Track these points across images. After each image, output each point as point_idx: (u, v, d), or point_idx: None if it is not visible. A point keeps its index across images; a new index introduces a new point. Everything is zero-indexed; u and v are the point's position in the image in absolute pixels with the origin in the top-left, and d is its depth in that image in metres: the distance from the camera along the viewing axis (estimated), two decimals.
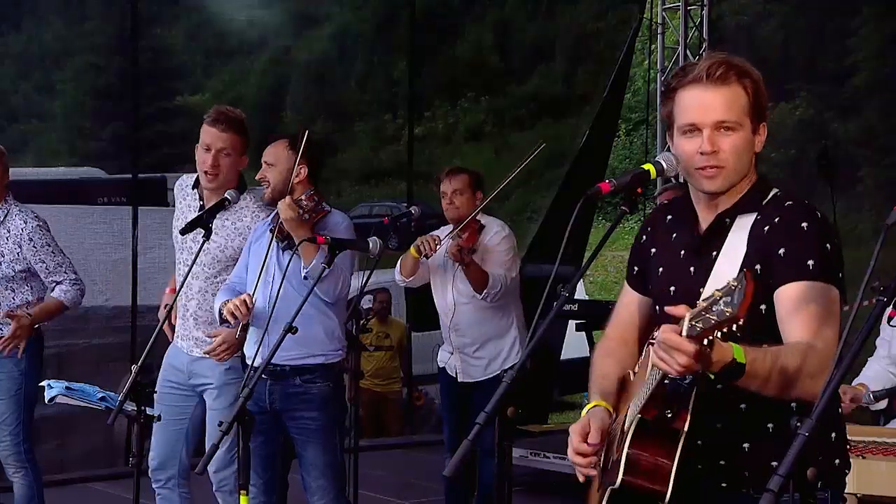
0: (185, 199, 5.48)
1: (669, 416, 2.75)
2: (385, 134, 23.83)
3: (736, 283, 2.42)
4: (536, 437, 8.09)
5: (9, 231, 5.72)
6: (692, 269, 2.93)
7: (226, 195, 5.03)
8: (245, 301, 4.78)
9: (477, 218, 6.08)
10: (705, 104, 2.86)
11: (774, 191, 2.93)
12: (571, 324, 8.83)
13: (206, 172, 5.21)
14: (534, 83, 23.75)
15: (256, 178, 5.16)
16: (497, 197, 6.54)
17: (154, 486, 5.40)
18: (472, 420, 5.86)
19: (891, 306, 2.39)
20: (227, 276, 5.29)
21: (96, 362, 5.72)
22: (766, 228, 2.84)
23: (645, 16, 10.25)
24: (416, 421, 11.18)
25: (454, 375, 6.25)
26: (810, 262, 2.77)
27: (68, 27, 29.77)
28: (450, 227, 6.21)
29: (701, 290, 2.78)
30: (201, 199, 5.33)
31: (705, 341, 2.44)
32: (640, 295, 3.18)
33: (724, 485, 2.90)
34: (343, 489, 5.18)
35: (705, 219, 2.95)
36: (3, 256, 5.71)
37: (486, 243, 6.03)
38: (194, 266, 5.08)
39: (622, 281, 3.29)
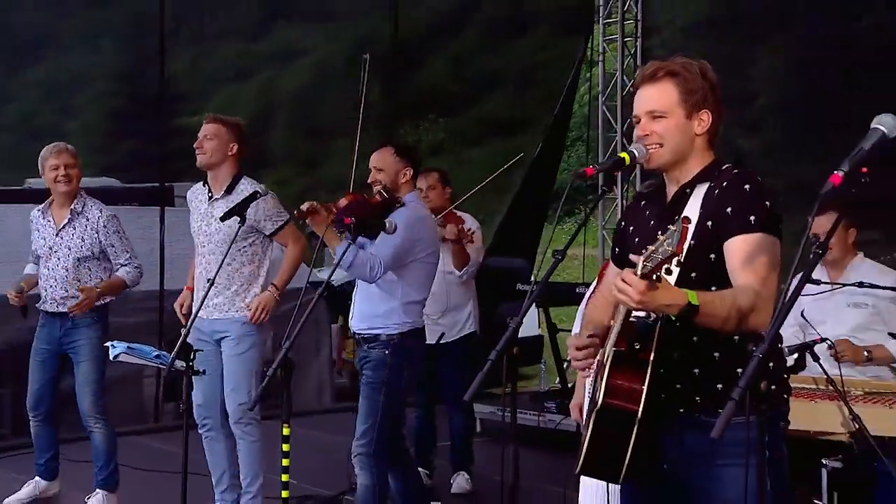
0: (197, 198, 5.59)
1: (638, 347, 2.83)
2: (359, 150, 23.88)
3: (674, 228, 2.52)
4: (500, 397, 8.12)
5: (87, 219, 5.88)
6: (659, 232, 2.84)
7: (257, 189, 5.19)
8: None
9: (454, 211, 6.15)
10: (641, 99, 3.01)
11: (726, 165, 2.99)
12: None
13: (196, 149, 5.38)
14: (486, 106, 23.79)
15: (369, 181, 5.10)
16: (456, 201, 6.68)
17: (200, 430, 5.49)
18: (438, 378, 5.89)
19: None
20: (239, 245, 5.31)
21: (132, 337, 5.78)
22: (716, 192, 2.90)
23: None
24: None
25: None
26: (752, 217, 2.81)
27: (85, 57, 29.55)
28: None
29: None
30: (210, 190, 5.48)
31: (654, 276, 2.53)
32: (620, 270, 3.16)
33: (681, 410, 2.92)
34: (379, 438, 5.01)
35: (671, 191, 3.03)
36: (84, 241, 5.86)
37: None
38: (210, 237, 5.35)
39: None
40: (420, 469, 6.19)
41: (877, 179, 2.45)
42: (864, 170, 2.41)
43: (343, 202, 4.85)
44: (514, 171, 12.32)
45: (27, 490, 6.01)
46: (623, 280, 2.55)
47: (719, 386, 2.86)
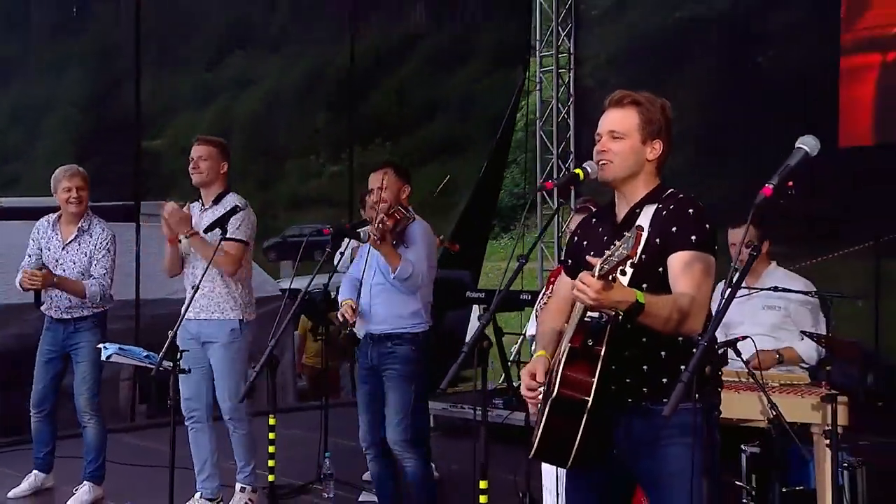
0: (193, 209, 5.65)
1: (591, 344, 2.92)
2: (309, 171, 23.96)
3: (630, 235, 2.64)
4: (450, 395, 8.25)
5: (91, 237, 5.95)
6: (616, 241, 2.95)
7: (237, 203, 5.30)
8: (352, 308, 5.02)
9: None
10: (606, 120, 3.12)
11: (671, 189, 3.10)
12: (475, 310, 8.98)
13: (192, 170, 5.52)
14: (428, 131, 23.98)
15: (373, 200, 5.08)
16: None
17: (187, 423, 5.60)
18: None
19: None
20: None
21: (112, 341, 5.89)
22: (663, 213, 3.02)
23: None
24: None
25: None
26: (693, 237, 2.94)
27: (51, 84, 29.26)
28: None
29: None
30: (203, 204, 5.62)
31: (610, 278, 2.67)
32: (573, 280, 3.23)
33: (629, 400, 3.02)
34: (413, 425, 5.09)
35: (622, 211, 3.14)
36: (87, 256, 5.94)
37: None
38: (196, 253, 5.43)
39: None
40: None
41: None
42: (790, 184, 2.60)
43: (390, 223, 4.85)
44: (455, 193, 12.43)
45: (28, 483, 6.03)
46: (581, 281, 2.68)
47: (664, 380, 2.98)
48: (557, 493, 4.81)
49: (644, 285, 2.86)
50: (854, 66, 7.88)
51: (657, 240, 2.95)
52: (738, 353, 4.26)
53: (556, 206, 9.65)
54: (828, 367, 4.83)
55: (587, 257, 2.82)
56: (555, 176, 9.79)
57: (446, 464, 6.58)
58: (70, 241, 5.93)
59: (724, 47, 9.42)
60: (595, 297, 2.67)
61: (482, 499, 3.23)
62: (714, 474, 2.98)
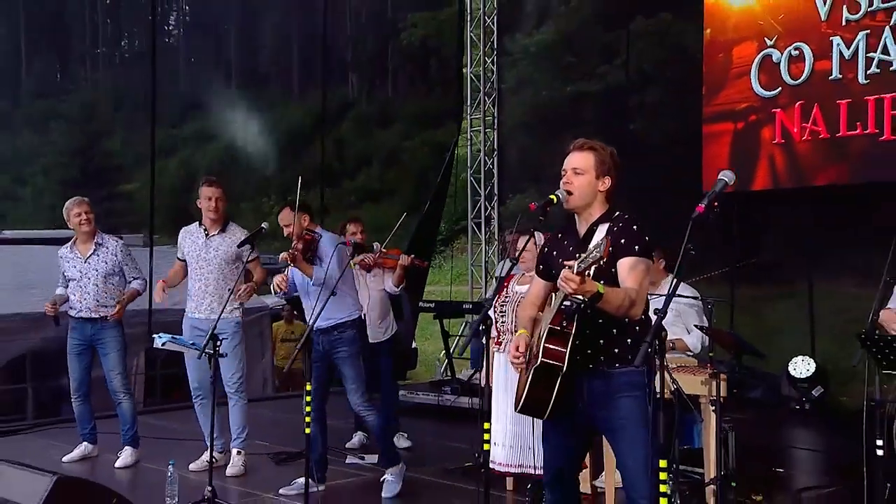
0: (191, 236, 5.87)
1: (565, 324, 3.15)
2: (261, 211, 24.04)
3: (601, 241, 2.91)
4: (406, 386, 8.53)
5: (107, 248, 6.08)
6: (578, 255, 3.14)
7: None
8: (284, 279, 5.22)
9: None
10: (570, 160, 3.33)
11: (618, 212, 3.31)
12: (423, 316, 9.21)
13: (211, 210, 5.71)
14: (360, 180, 24.27)
15: (288, 235, 5.28)
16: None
17: (195, 400, 5.82)
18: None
19: None
20: (227, 268, 5.70)
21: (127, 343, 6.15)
22: (615, 229, 3.23)
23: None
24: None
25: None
26: (636, 247, 3.18)
27: (36, 136, 28.77)
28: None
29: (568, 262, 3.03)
30: (206, 231, 5.80)
31: (587, 273, 2.92)
32: (543, 281, 3.47)
33: (590, 365, 3.22)
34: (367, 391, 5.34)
35: (582, 229, 3.35)
36: (107, 263, 6.06)
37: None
38: (209, 262, 5.72)
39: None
40: None
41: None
42: (716, 204, 2.98)
43: (300, 245, 5.17)
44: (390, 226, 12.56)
45: (78, 451, 6.13)
46: (565, 275, 2.95)
47: (616, 350, 3.24)
48: (507, 445, 5.10)
49: (601, 281, 3.07)
50: (713, 132, 8.39)
51: (611, 248, 3.16)
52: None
53: (483, 238, 10.05)
54: (710, 354, 5.25)
55: (564, 261, 3.04)
56: (483, 213, 10.17)
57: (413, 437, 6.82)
58: (90, 256, 6.06)
59: (604, 116, 9.63)
60: (574, 287, 2.92)
61: (486, 437, 3.49)
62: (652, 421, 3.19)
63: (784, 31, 7.88)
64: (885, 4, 7.31)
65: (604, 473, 5.21)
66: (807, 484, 5.61)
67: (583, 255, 2.96)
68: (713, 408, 4.97)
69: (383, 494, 5.28)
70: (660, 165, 8.74)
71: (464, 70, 10.25)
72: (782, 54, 7.89)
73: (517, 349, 3.32)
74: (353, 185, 23.27)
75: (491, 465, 4.70)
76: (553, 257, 3.42)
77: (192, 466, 5.76)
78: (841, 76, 7.55)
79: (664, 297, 2.96)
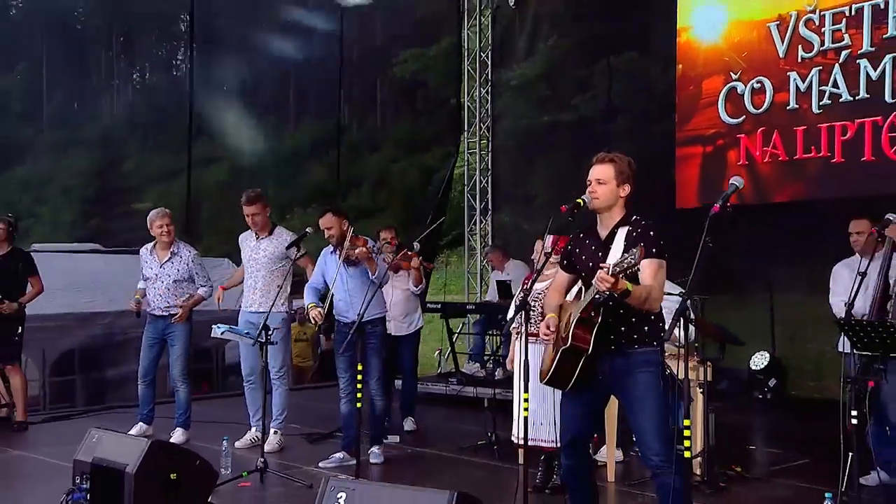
0: (246, 240, 6.01)
1: (593, 315, 3.30)
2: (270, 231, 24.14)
3: (636, 250, 3.01)
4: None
5: (180, 256, 6.16)
6: (600, 254, 3.37)
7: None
8: (320, 313, 5.21)
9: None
10: (594, 171, 3.43)
11: (636, 217, 3.40)
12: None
13: (254, 225, 5.83)
14: (353, 199, 24.27)
15: (326, 237, 5.38)
16: None
17: (245, 384, 5.90)
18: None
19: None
20: (274, 266, 5.78)
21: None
22: (633, 233, 3.33)
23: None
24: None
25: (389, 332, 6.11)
26: (654, 249, 3.25)
27: (54, 160, 28.58)
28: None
29: (602, 264, 3.18)
30: (256, 235, 5.93)
31: (620, 276, 3.05)
32: (567, 274, 3.60)
33: (612, 347, 3.35)
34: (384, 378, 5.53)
35: (603, 232, 3.44)
36: (179, 270, 6.15)
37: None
38: (258, 262, 5.81)
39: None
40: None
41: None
42: (729, 204, 3.15)
43: (365, 248, 5.25)
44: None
45: (136, 429, 6.17)
46: (602, 276, 3.07)
47: (635, 336, 3.36)
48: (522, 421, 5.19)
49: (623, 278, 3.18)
50: (685, 155, 8.61)
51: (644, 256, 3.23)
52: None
53: (479, 247, 10.17)
54: (696, 345, 5.43)
55: (600, 264, 3.17)
56: (478, 226, 10.31)
57: (427, 423, 6.92)
58: (165, 262, 6.18)
59: (577, 141, 9.53)
60: (608, 286, 3.07)
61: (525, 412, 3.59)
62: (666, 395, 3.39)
63: (747, 67, 8.15)
64: (835, 45, 7.61)
65: (604, 447, 5.37)
66: (776, 458, 5.81)
67: (619, 259, 3.12)
68: (700, 390, 5.17)
69: (371, 461, 5.48)
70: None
71: (462, 100, 10.37)
72: (746, 87, 8.16)
73: (547, 328, 3.48)
74: (346, 204, 23.30)
75: (512, 439, 4.86)
76: (577, 254, 3.55)
77: (237, 444, 5.85)
78: (797, 106, 7.83)
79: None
